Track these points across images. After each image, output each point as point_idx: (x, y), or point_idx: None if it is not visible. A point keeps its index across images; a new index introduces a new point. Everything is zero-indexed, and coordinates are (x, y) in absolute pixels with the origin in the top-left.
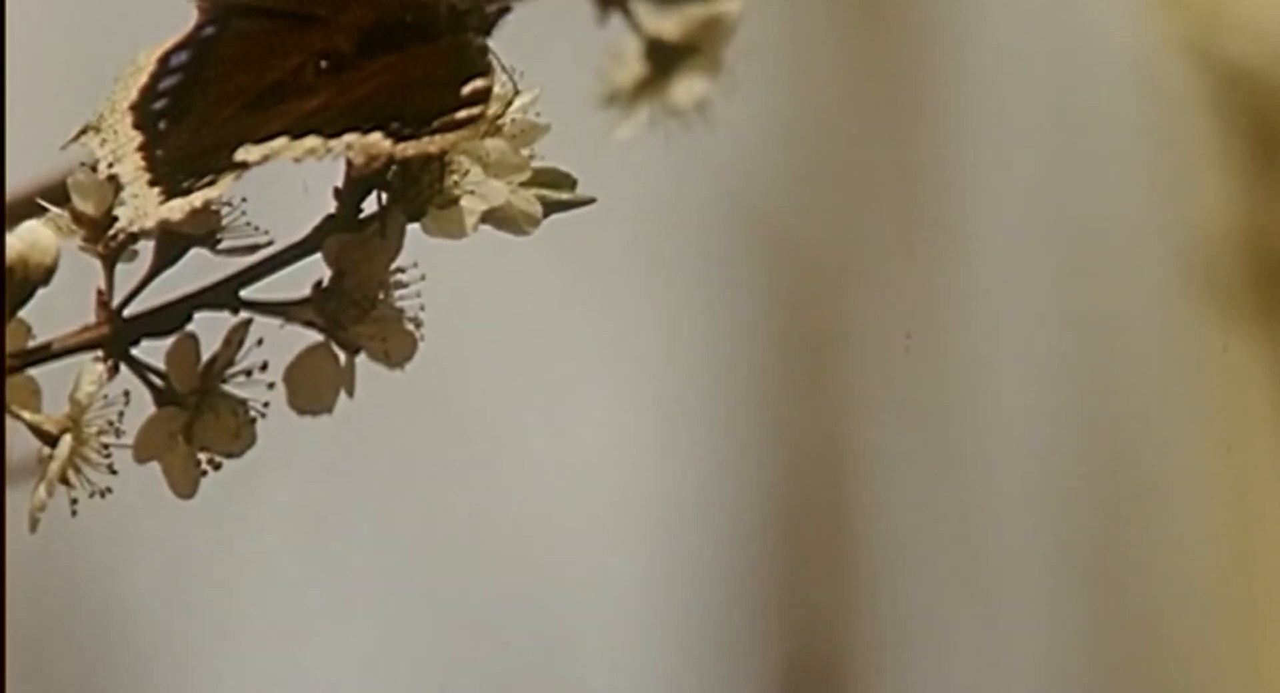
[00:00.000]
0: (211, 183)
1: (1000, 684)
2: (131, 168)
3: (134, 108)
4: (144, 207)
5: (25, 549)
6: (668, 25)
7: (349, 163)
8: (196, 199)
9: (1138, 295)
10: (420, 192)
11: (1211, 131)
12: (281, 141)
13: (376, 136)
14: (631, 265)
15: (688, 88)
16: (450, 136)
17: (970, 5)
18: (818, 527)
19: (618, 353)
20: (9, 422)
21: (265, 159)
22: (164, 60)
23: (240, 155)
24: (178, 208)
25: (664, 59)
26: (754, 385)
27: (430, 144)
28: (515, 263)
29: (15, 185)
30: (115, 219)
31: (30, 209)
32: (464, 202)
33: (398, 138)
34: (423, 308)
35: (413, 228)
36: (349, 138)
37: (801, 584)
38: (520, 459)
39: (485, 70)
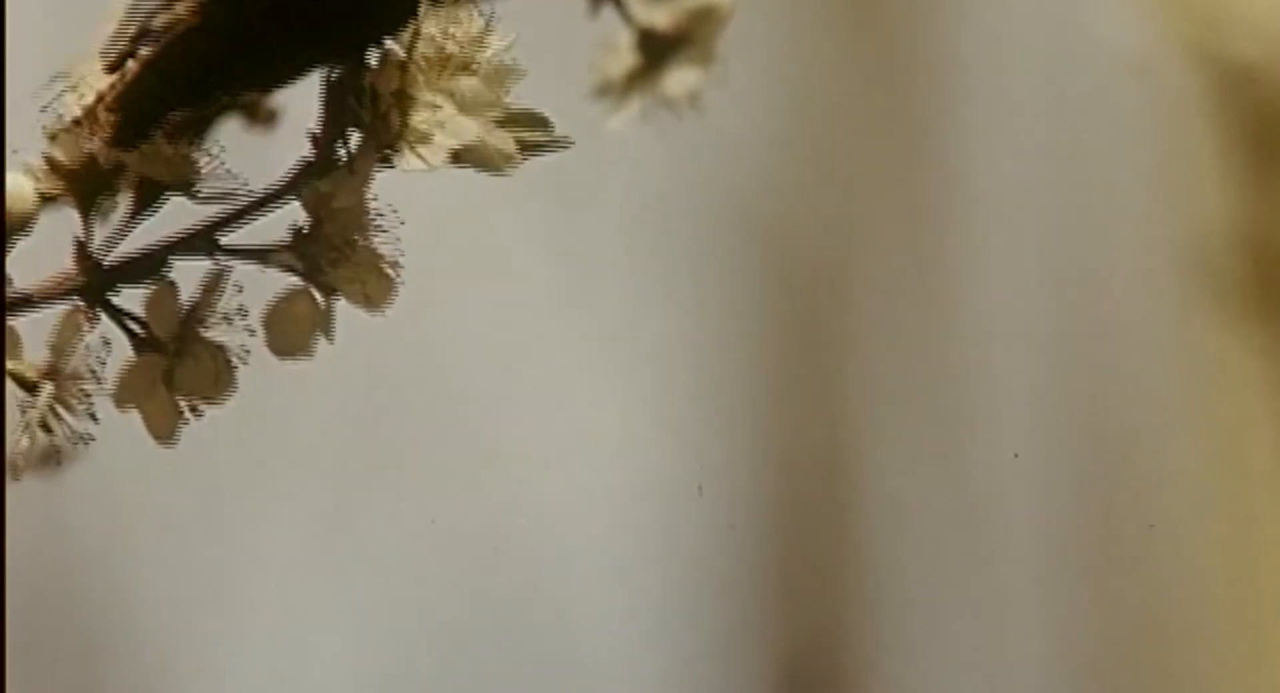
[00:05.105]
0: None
1: (1000, 682)
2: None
3: (105, 53)
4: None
5: (23, 546)
6: (659, 16)
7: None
8: (132, 63)
9: (1137, 295)
10: (390, 127)
11: (1211, 131)
12: None
13: None
14: (629, 263)
15: (680, 79)
16: None
17: (970, 4)
18: (817, 523)
19: (617, 351)
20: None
21: (176, 19)
22: (135, 7)
23: (157, 20)
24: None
25: (656, 50)
26: (753, 382)
27: None
28: (515, 262)
29: None
30: (94, 168)
31: None
32: (435, 138)
33: None
34: (401, 252)
35: (407, 191)
36: None
37: (801, 581)
38: (520, 458)
39: None
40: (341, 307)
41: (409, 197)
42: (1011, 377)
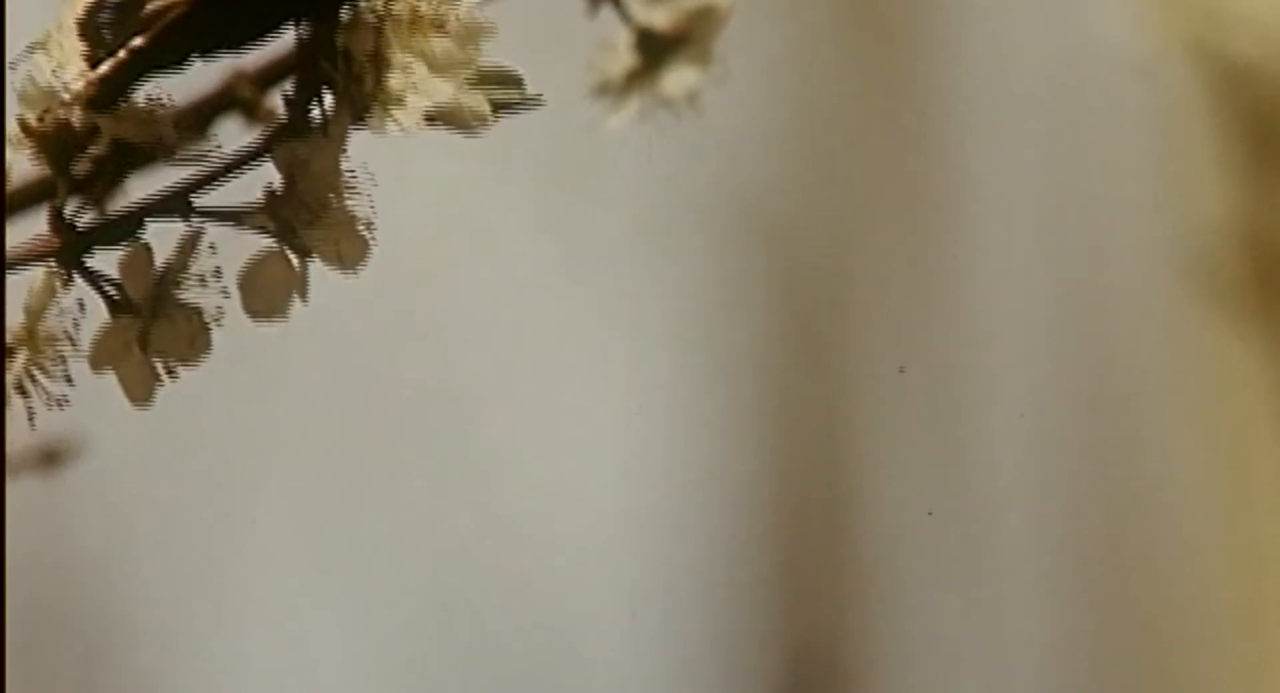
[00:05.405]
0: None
1: (1000, 680)
2: (76, 72)
3: (80, 22)
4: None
5: (23, 546)
6: (658, 16)
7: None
8: (122, 52)
9: (1137, 294)
10: (364, 89)
11: (1211, 131)
12: None
13: None
14: (631, 261)
15: (678, 79)
16: None
17: (971, 5)
18: (818, 520)
19: (617, 349)
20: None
21: (168, 6)
22: None
23: (150, 7)
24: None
25: (654, 50)
26: (753, 382)
27: None
28: (516, 262)
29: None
30: (68, 130)
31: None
32: (409, 99)
33: None
34: (373, 208)
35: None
36: None
37: (801, 581)
38: (521, 458)
39: None
40: (338, 303)
41: (412, 195)
42: (1011, 377)
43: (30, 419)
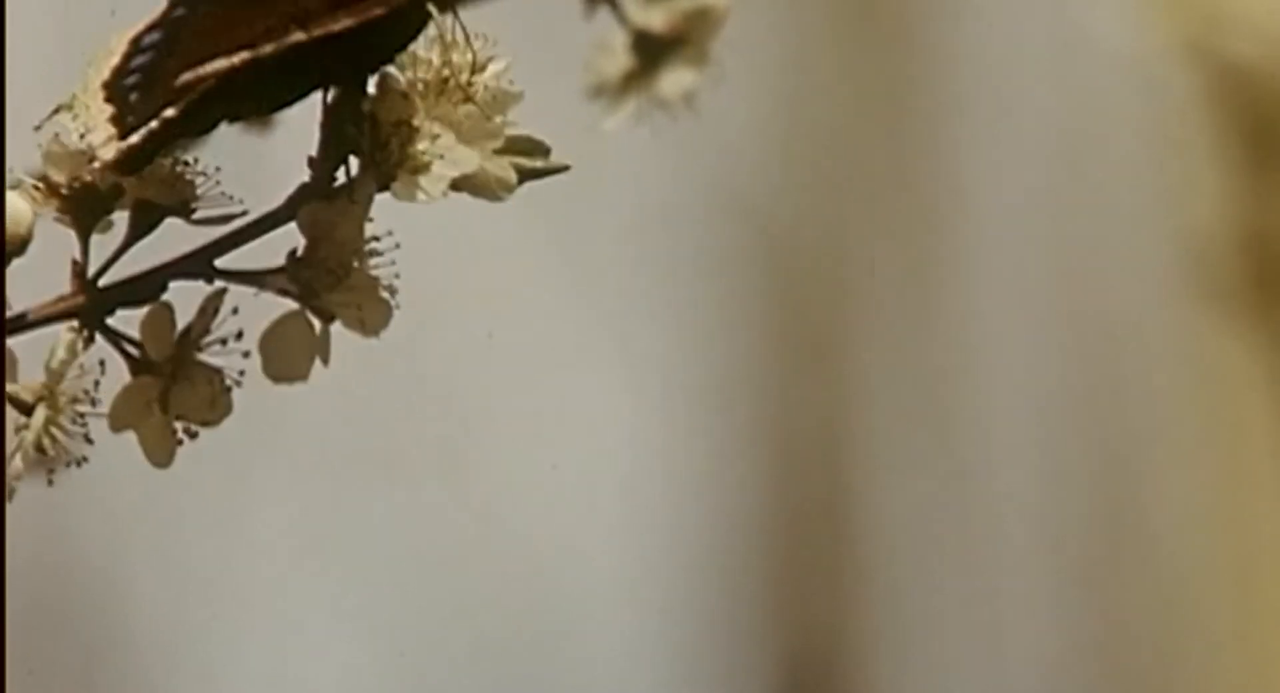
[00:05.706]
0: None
1: (998, 679)
2: (104, 135)
3: (107, 85)
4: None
5: (22, 551)
6: (655, 17)
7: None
8: (154, 123)
9: (1137, 295)
10: (390, 156)
11: (1211, 131)
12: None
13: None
14: (629, 264)
15: (675, 80)
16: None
17: (970, 5)
18: (816, 522)
19: (615, 352)
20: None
21: (200, 78)
22: (136, 41)
23: (182, 79)
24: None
25: (651, 51)
26: (752, 382)
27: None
28: (515, 262)
29: None
30: (90, 189)
31: None
32: (435, 167)
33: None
34: (397, 276)
35: (404, 208)
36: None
37: (801, 580)
38: (520, 457)
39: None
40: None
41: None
42: (1011, 377)
43: (49, 481)
